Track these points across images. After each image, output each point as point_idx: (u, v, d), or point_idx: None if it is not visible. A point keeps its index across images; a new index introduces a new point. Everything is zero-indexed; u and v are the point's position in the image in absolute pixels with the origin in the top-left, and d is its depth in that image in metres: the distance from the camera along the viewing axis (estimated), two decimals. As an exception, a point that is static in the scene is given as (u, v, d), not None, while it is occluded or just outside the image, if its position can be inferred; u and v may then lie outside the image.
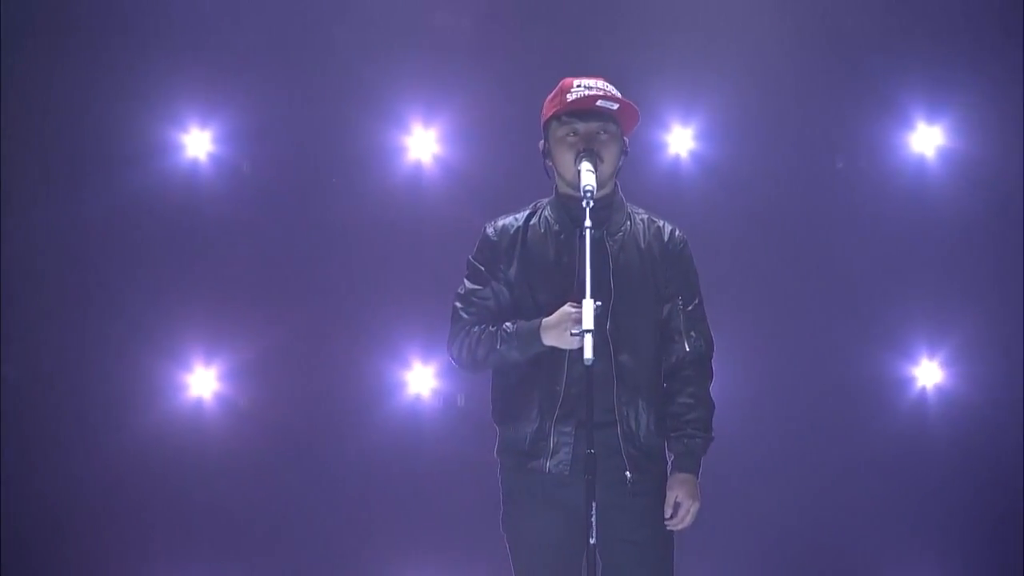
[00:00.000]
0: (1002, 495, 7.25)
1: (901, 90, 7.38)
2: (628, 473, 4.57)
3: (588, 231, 4.41)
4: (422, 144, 7.47)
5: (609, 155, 4.64)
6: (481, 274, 4.78)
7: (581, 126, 4.67)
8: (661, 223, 4.79)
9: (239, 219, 7.41)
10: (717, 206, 7.27)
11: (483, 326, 4.70)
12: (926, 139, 7.39)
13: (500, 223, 4.82)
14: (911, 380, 7.38)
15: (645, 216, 4.77)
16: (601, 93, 4.68)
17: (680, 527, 4.63)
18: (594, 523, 4.28)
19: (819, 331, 7.30)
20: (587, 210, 4.45)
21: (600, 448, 4.36)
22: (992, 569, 7.28)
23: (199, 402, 7.42)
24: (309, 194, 7.41)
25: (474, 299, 4.76)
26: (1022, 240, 7.33)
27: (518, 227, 4.78)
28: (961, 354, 7.35)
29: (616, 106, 4.67)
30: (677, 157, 7.48)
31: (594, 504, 4.28)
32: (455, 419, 7.44)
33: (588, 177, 4.52)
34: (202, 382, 7.41)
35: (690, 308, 4.71)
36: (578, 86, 4.72)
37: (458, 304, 4.80)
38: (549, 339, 4.55)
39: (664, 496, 4.64)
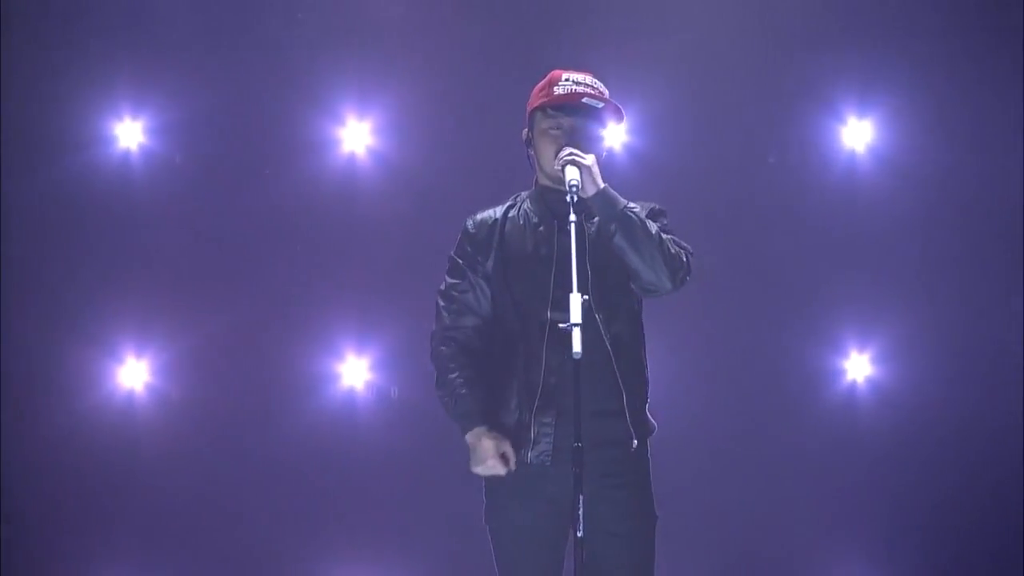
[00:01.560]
0: (930, 487, 7.33)
1: (833, 85, 7.43)
2: (635, 442, 4.59)
3: (573, 225, 4.41)
4: (356, 136, 7.46)
5: (590, 151, 4.66)
6: (459, 268, 4.80)
7: (566, 121, 4.70)
8: (642, 204, 4.78)
9: (171, 211, 7.37)
10: (648, 200, 7.28)
11: (456, 361, 4.71)
12: (857, 135, 7.46)
13: (479, 216, 4.84)
14: (841, 373, 7.44)
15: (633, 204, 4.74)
16: (588, 91, 4.70)
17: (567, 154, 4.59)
18: (581, 516, 4.29)
19: (750, 324, 7.35)
20: (572, 205, 4.46)
21: (586, 440, 4.34)
22: (917, 559, 7.36)
23: (130, 394, 7.38)
24: (242, 186, 7.38)
25: (454, 294, 4.78)
26: (951, 236, 7.40)
27: (496, 219, 4.80)
28: (890, 348, 7.42)
29: (601, 104, 4.70)
30: (611, 151, 7.47)
31: (581, 497, 4.28)
32: (389, 411, 7.43)
33: (572, 172, 4.53)
34: (133, 374, 7.37)
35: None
36: (566, 80, 4.74)
37: (440, 301, 4.82)
38: (471, 447, 4.64)
39: (647, 490, 4.68)
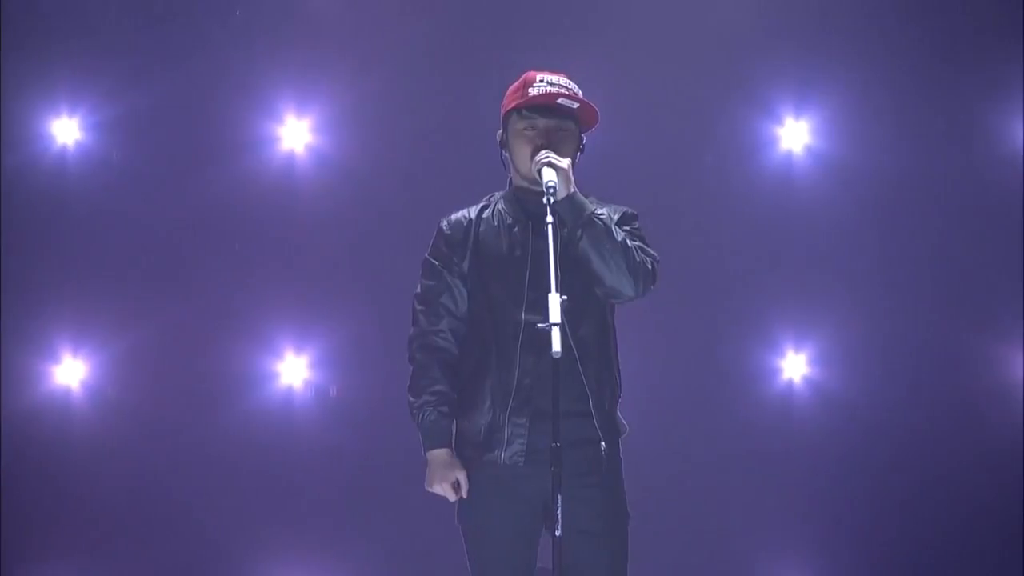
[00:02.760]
0: (864, 486, 7.39)
1: (770, 86, 7.48)
2: (603, 444, 4.60)
3: (551, 226, 4.42)
4: (295, 134, 7.44)
5: (566, 152, 4.65)
6: (435, 269, 4.78)
7: (541, 122, 4.69)
8: (615, 207, 4.79)
9: (109, 208, 7.34)
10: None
11: (429, 375, 4.69)
12: (794, 135, 7.51)
13: (453, 217, 4.83)
14: (777, 372, 7.50)
15: (603, 208, 4.74)
16: (563, 91, 4.70)
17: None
18: (559, 516, 4.29)
19: (687, 324, 7.38)
20: (548, 207, 4.46)
21: (562, 439, 4.35)
22: (852, 557, 7.42)
23: (67, 392, 7.33)
24: (180, 184, 7.36)
25: (430, 296, 4.76)
26: (887, 236, 7.47)
27: (471, 220, 4.79)
28: (827, 348, 7.48)
29: (576, 105, 4.70)
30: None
31: (559, 497, 4.29)
32: (328, 410, 7.43)
33: (549, 173, 4.53)
34: (70, 372, 7.33)
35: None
36: (540, 81, 4.73)
37: (417, 305, 4.78)
38: (429, 464, 4.67)
39: (620, 489, 4.69)
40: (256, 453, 7.33)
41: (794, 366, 7.50)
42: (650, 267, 4.65)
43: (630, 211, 4.80)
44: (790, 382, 7.51)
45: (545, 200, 4.48)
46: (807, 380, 7.50)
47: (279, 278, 7.39)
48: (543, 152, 4.60)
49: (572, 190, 4.57)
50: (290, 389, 7.44)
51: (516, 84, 4.79)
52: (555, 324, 4.22)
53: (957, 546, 7.35)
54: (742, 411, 7.44)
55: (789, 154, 7.54)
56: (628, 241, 4.61)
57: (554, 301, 4.26)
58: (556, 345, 4.20)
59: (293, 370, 7.43)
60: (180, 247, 7.37)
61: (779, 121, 7.52)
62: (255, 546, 7.33)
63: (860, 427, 7.41)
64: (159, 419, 7.31)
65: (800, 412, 7.48)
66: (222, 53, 7.38)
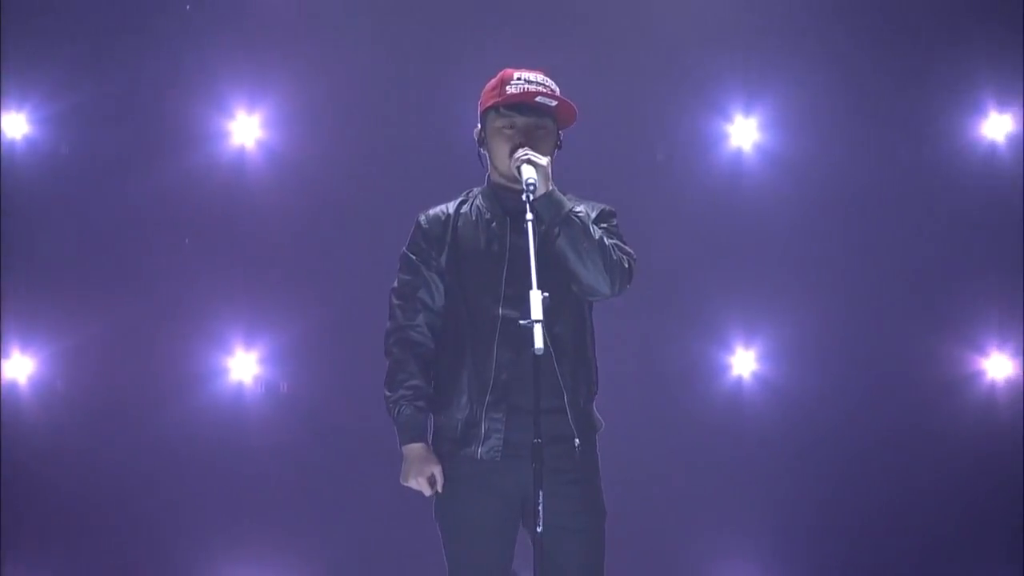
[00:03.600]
0: (813, 483, 7.43)
1: (720, 84, 7.51)
2: (577, 440, 4.61)
3: (531, 223, 4.43)
4: (245, 129, 7.43)
5: (544, 150, 4.67)
6: (413, 264, 4.77)
7: (519, 120, 4.70)
8: (592, 204, 4.80)
9: (57, 202, 7.31)
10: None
11: (406, 369, 4.69)
12: (743, 133, 7.54)
13: (431, 212, 4.83)
14: (727, 368, 7.53)
15: (581, 206, 4.74)
16: (541, 89, 4.71)
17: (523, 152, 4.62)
18: (541, 512, 4.30)
19: (637, 321, 7.40)
20: (528, 203, 4.48)
21: (541, 435, 4.38)
22: (800, 555, 7.46)
23: (14, 387, 7.30)
24: (129, 178, 7.33)
25: (407, 291, 4.75)
26: (836, 233, 7.50)
27: (449, 215, 4.79)
28: (776, 344, 7.51)
29: (555, 103, 4.71)
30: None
31: (540, 494, 4.30)
32: (278, 406, 7.41)
33: (529, 170, 4.54)
34: (18, 368, 7.30)
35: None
36: (518, 79, 4.73)
37: (394, 300, 4.78)
38: (405, 458, 4.66)
39: (597, 486, 4.72)
40: (206, 449, 7.32)
41: (744, 362, 7.53)
42: (627, 266, 4.67)
43: (608, 208, 4.82)
44: (740, 379, 7.54)
45: (524, 197, 4.49)
46: (756, 376, 7.53)
47: (229, 273, 7.37)
48: (522, 149, 4.61)
49: (551, 187, 4.59)
50: (240, 385, 7.42)
51: (493, 82, 4.79)
52: (537, 321, 4.24)
53: (908, 540, 7.40)
54: (692, 408, 7.46)
55: (739, 151, 7.56)
56: (605, 239, 4.62)
57: (536, 298, 4.27)
58: (539, 342, 4.22)
59: (243, 366, 7.41)
60: (129, 242, 7.34)
61: (729, 118, 7.55)
62: (204, 542, 7.31)
63: (809, 423, 7.45)
64: (107, 414, 7.28)
65: (750, 408, 7.51)
66: (172, 47, 7.35)
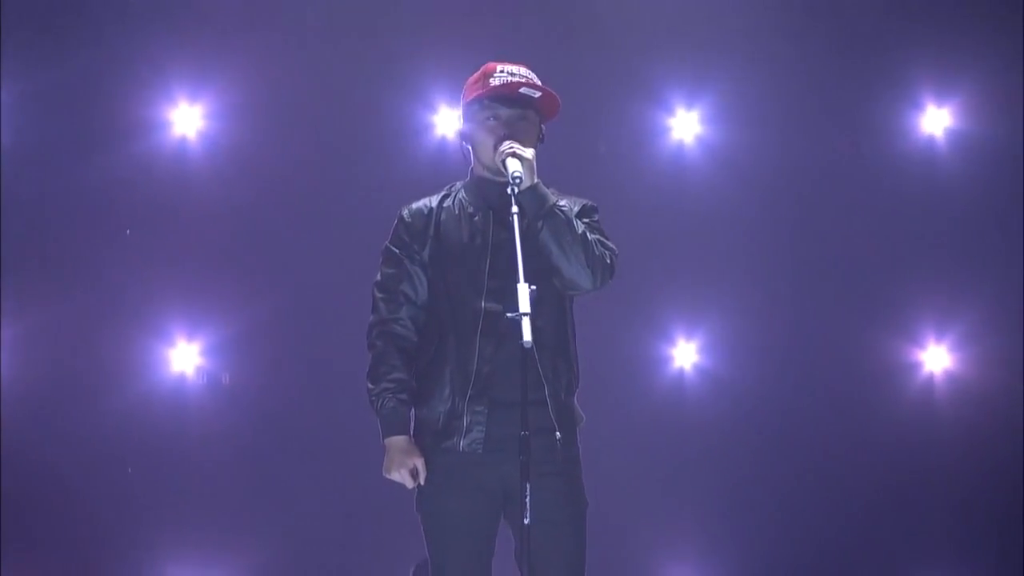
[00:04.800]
0: (753, 471, 7.49)
1: (663, 78, 7.55)
2: (558, 433, 4.62)
3: (516, 216, 4.44)
4: (187, 119, 7.40)
5: (528, 142, 4.68)
6: (395, 257, 4.76)
7: (503, 112, 4.70)
8: (574, 199, 4.82)
9: (-3, 193, 7.27)
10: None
11: (389, 362, 4.69)
12: (685, 126, 7.58)
13: (414, 206, 4.81)
14: (668, 360, 7.57)
15: (564, 200, 4.75)
16: (525, 80, 4.72)
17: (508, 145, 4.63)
18: (528, 504, 4.32)
19: (579, 313, 7.39)
20: (513, 197, 4.49)
21: (518, 428, 4.39)
22: (741, 537, 7.52)
23: (-49, 379, 7.27)
24: (70, 168, 7.28)
25: (390, 284, 4.74)
26: (778, 226, 7.56)
27: (432, 208, 4.79)
28: (717, 336, 7.56)
29: (538, 94, 4.72)
30: (443, 138, 7.56)
31: (528, 486, 4.32)
32: (220, 397, 7.40)
33: (515, 163, 4.55)
34: (-46, 359, 7.28)
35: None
36: (501, 71, 4.74)
37: (376, 293, 4.77)
38: (387, 450, 4.66)
39: (578, 478, 4.73)
40: (146, 440, 7.30)
41: (685, 354, 7.58)
42: (608, 261, 4.69)
43: (589, 203, 4.84)
44: (681, 370, 7.58)
45: (510, 190, 4.50)
46: (698, 368, 7.58)
47: (171, 264, 7.35)
48: (507, 142, 4.62)
49: (536, 180, 4.60)
50: (182, 376, 7.41)
51: (476, 75, 4.80)
52: (525, 314, 4.26)
53: (846, 528, 7.47)
54: (633, 399, 7.50)
55: (680, 144, 7.60)
56: (588, 234, 4.64)
57: (523, 291, 4.29)
58: (527, 335, 4.24)
59: (185, 357, 7.40)
60: (70, 232, 7.30)
61: (671, 111, 7.58)
62: (144, 534, 7.29)
63: (750, 414, 7.51)
64: (48, 405, 7.25)
65: (691, 400, 7.56)
66: (115, 36, 7.32)
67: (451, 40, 7.35)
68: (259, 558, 7.34)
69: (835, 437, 7.49)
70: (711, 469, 7.48)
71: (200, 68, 7.39)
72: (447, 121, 7.51)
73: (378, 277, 4.78)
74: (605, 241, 4.74)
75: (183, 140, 7.42)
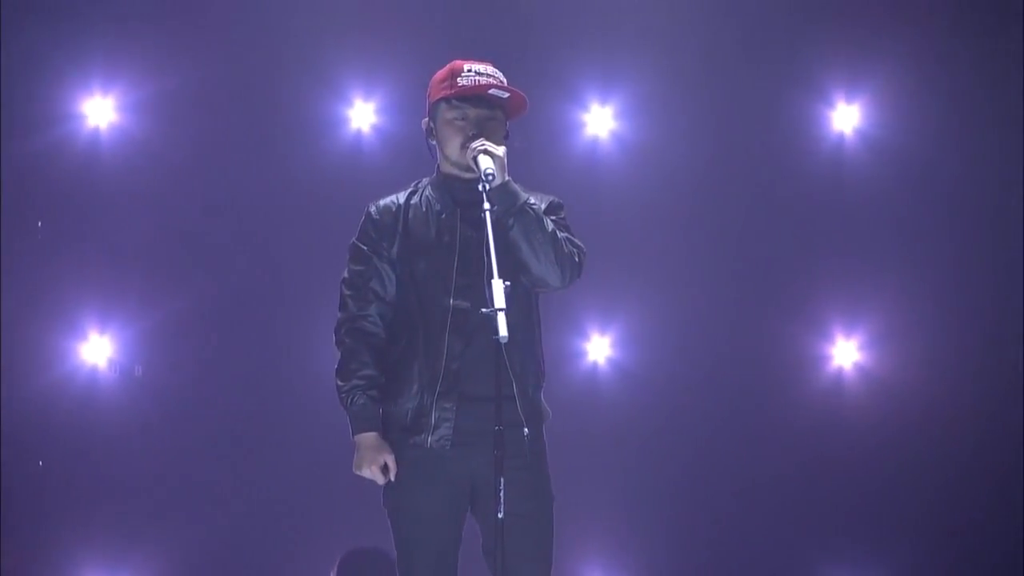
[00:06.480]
0: (666, 463, 7.55)
1: (576, 74, 7.58)
2: (526, 429, 4.66)
3: (488, 213, 4.48)
4: (100, 111, 7.37)
5: (496, 141, 4.71)
6: (363, 254, 4.76)
7: (472, 111, 4.73)
8: (541, 196, 4.85)
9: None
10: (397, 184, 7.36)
11: (358, 359, 4.69)
12: (600, 121, 7.62)
13: (382, 203, 4.82)
14: (582, 354, 7.61)
15: (533, 198, 4.78)
16: (494, 81, 4.75)
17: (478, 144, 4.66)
18: (503, 498, 4.37)
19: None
20: (484, 194, 4.52)
21: (485, 423, 4.45)
22: (655, 532, 7.57)
23: None
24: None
25: (358, 282, 4.74)
26: (690, 219, 7.62)
27: (399, 205, 4.79)
28: (630, 329, 7.61)
29: (507, 95, 4.76)
30: (359, 132, 7.56)
31: (502, 480, 4.38)
32: (132, 390, 7.37)
33: (487, 161, 4.59)
34: None
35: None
36: (469, 71, 4.76)
37: (345, 290, 4.76)
38: (357, 447, 4.67)
39: (545, 472, 4.78)
40: (58, 432, 7.24)
41: (599, 348, 7.62)
42: (577, 259, 4.74)
43: (556, 200, 4.88)
44: (595, 364, 7.63)
45: (481, 187, 4.54)
46: (611, 362, 7.63)
47: (83, 256, 7.31)
48: (479, 140, 4.65)
49: (507, 178, 4.64)
50: (94, 368, 7.37)
51: (443, 73, 4.82)
52: (500, 309, 4.30)
53: (757, 521, 7.55)
54: (547, 394, 7.48)
55: (595, 139, 7.64)
56: (557, 232, 4.68)
57: (498, 287, 4.33)
58: (503, 330, 4.29)
59: (96, 350, 7.36)
60: (-22, 223, 7.26)
61: (585, 107, 7.62)
62: (54, 529, 7.25)
63: (663, 407, 7.56)
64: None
65: (605, 394, 7.60)
66: (27, 28, 7.26)
67: (365, 34, 7.36)
68: (170, 555, 7.31)
69: (747, 430, 7.56)
70: (623, 463, 7.52)
71: (113, 60, 7.35)
72: (362, 115, 7.51)
73: (345, 274, 4.78)
74: (573, 239, 4.78)
75: (95, 132, 7.37)
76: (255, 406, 7.34)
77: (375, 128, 7.54)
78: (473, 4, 7.55)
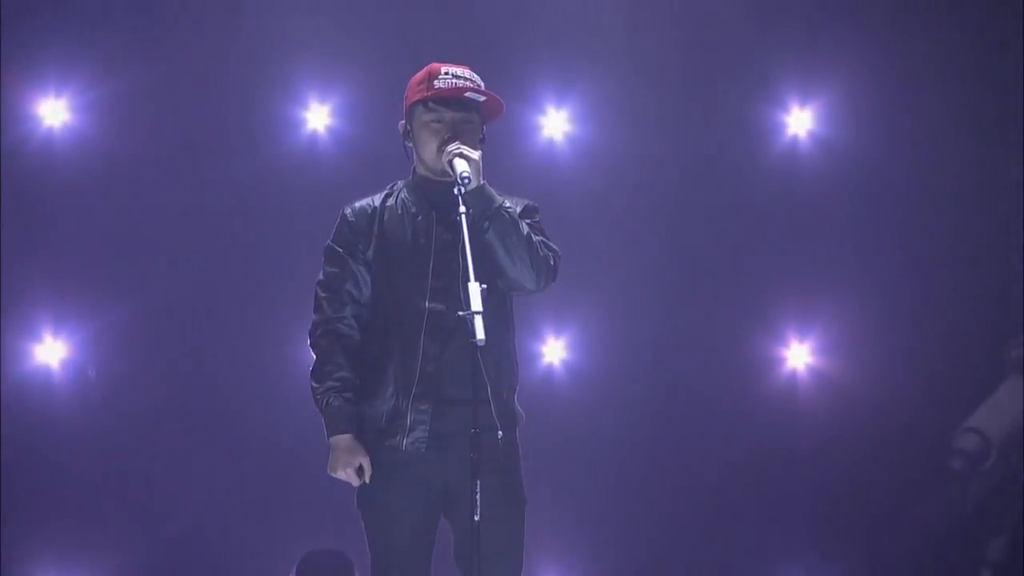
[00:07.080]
0: (618, 465, 7.58)
1: (533, 76, 7.60)
2: (500, 432, 4.66)
3: (464, 216, 4.49)
4: (54, 112, 7.34)
5: (472, 144, 4.72)
6: (339, 256, 4.77)
7: (448, 115, 4.74)
8: (516, 199, 4.85)
9: None
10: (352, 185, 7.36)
11: (333, 361, 4.70)
12: (555, 124, 7.64)
13: (357, 205, 4.82)
14: (538, 356, 7.64)
15: (509, 201, 4.78)
16: (470, 84, 4.76)
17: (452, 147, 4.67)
18: (478, 501, 4.40)
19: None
20: (460, 197, 4.54)
21: (459, 426, 4.51)
22: (612, 534, 7.61)
23: None
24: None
25: (334, 284, 4.75)
26: (644, 222, 7.65)
27: (375, 208, 4.80)
28: (585, 332, 7.64)
29: (483, 98, 4.76)
30: (315, 133, 7.56)
31: (479, 483, 4.41)
32: (87, 392, 7.34)
33: (462, 164, 4.60)
34: None
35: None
36: (446, 74, 4.77)
37: (320, 292, 4.76)
38: (332, 449, 4.67)
39: (518, 475, 4.77)
40: (11, 433, 7.20)
41: (554, 351, 7.65)
42: (552, 263, 4.77)
43: (531, 204, 4.89)
44: (550, 367, 7.65)
45: (457, 190, 4.55)
46: (566, 364, 7.65)
47: (36, 258, 7.28)
48: (455, 143, 4.66)
49: (483, 181, 4.64)
50: (47, 369, 7.33)
51: (420, 75, 4.83)
52: (477, 312, 4.33)
53: (709, 521, 7.60)
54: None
55: (551, 142, 7.67)
56: (533, 236, 4.70)
57: (475, 290, 4.37)
58: (480, 332, 4.32)
59: (51, 351, 7.33)
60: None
61: (541, 109, 7.65)
62: (6, 530, 7.21)
63: (617, 409, 7.59)
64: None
65: (559, 396, 7.61)
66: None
67: (320, 35, 7.36)
68: (129, 557, 7.28)
69: (702, 431, 7.60)
70: (579, 464, 7.55)
71: (66, 60, 7.32)
72: (317, 116, 7.51)
73: (320, 276, 4.79)
74: (548, 243, 4.81)
75: (49, 132, 7.34)
76: (211, 408, 7.33)
77: (330, 130, 7.54)
78: (429, 6, 7.56)
